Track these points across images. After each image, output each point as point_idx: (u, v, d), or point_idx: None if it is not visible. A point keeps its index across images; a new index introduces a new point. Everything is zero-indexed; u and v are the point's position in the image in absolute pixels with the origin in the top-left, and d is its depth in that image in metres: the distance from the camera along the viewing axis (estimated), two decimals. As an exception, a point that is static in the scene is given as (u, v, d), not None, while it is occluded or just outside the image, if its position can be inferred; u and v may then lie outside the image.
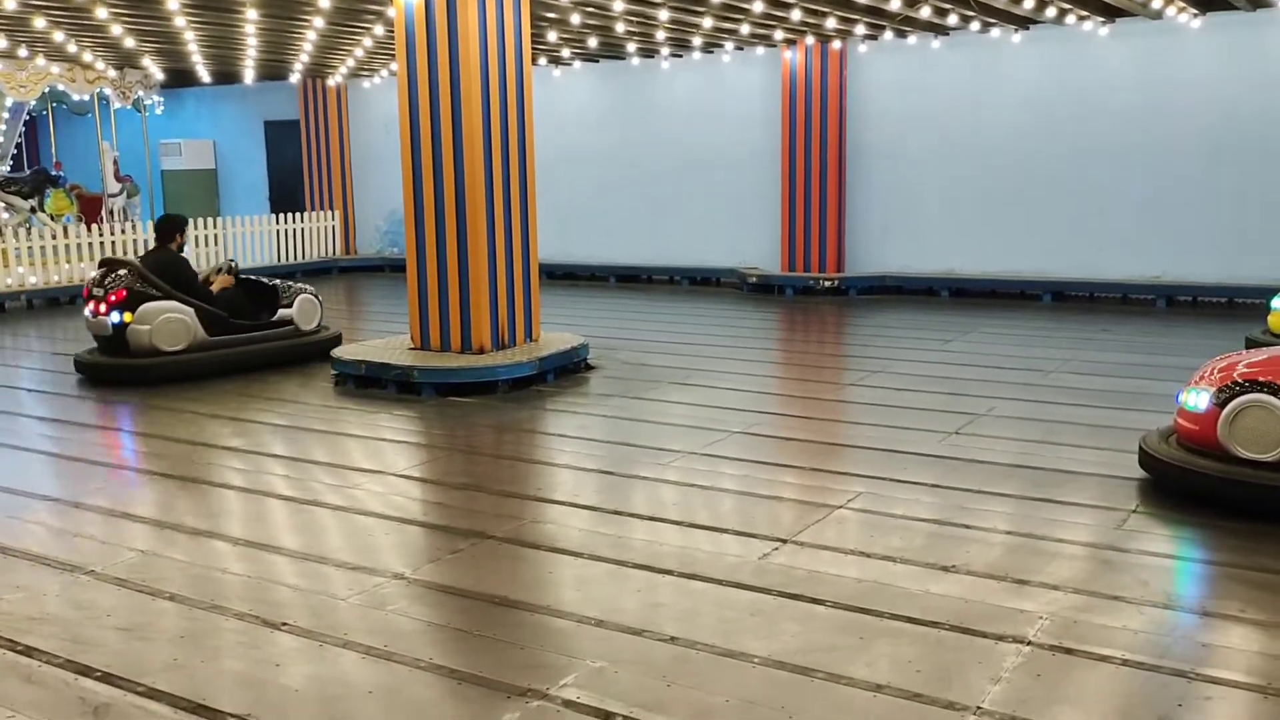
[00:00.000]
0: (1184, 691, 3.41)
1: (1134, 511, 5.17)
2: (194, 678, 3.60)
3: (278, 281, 9.77)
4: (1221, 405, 5.14)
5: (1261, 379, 5.09)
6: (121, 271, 8.85)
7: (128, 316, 8.63)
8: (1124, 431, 6.70)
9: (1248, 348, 9.03)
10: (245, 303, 9.41)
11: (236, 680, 3.60)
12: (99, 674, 3.62)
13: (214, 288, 9.22)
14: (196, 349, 8.86)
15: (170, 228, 9.23)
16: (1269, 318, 9.05)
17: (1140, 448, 5.60)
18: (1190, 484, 5.24)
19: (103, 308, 8.70)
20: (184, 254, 9.37)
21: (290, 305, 9.44)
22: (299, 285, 9.77)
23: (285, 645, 3.85)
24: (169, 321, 8.74)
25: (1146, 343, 10.14)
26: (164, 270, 8.93)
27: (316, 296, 9.72)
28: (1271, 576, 4.48)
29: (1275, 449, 4.98)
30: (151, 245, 9.56)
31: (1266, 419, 5.00)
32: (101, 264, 9.22)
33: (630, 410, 7.65)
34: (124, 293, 8.70)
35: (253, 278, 9.78)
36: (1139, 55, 12.45)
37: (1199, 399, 5.29)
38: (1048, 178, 13.10)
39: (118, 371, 8.75)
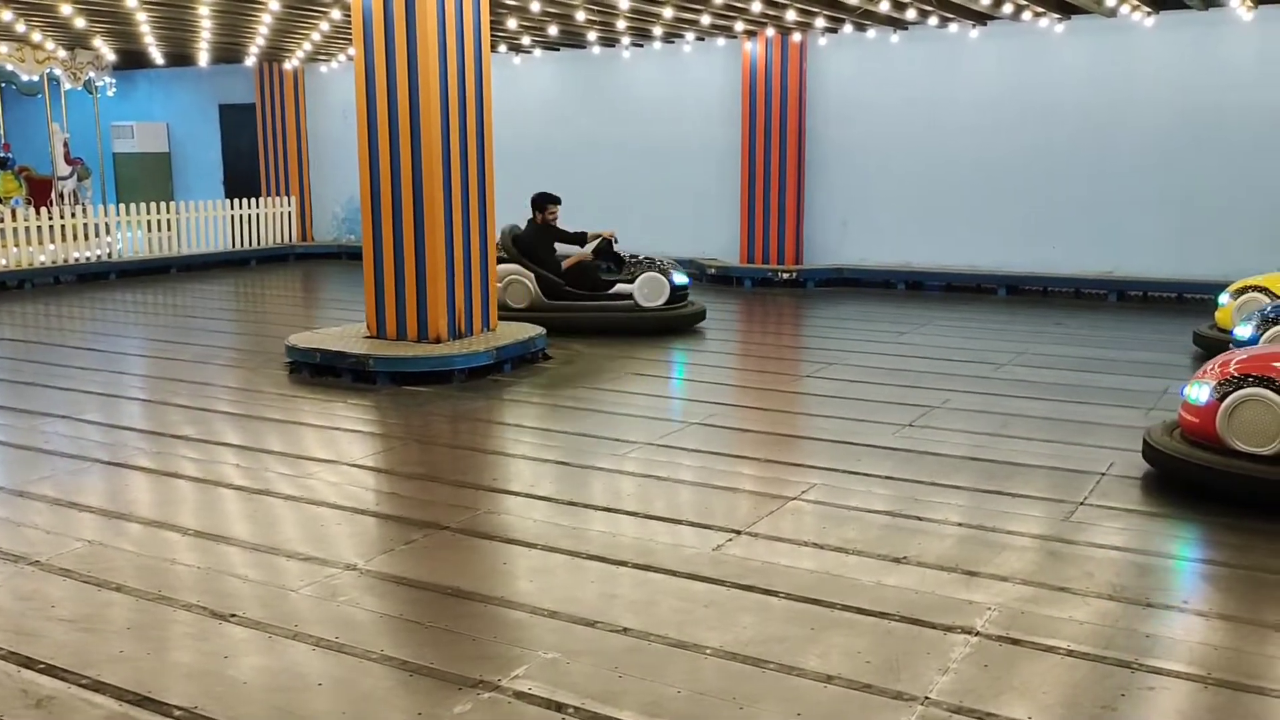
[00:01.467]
0: (1127, 681, 3.47)
1: (1081, 504, 5.25)
2: (140, 670, 3.55)
3: (640, 257, 10.68)
4: (1221, 398, 5.23)
5: (1260, 373, 5.18)
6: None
7: None
8: (1075, 424, 6.81)
9: (1195, 343, 9.22)
10: (595, 276, 10.52)
11: (184, 672, 3.56)
12: (42, 666, 3.57)
13: (567, 263, 10.47)
14: (536, 309, 10.12)
15: (534, 203, 10.54)
16: (1216, 313, 9.23)
17: (1144, 440, 5.69)
18: (1191, 477, 5.33)
19: None
20: (552, 226, 10.51)
21: (631, 281, 10.37)
22: (658, 264, 10.52)
23: (234, 637, 3.81)
24: (512, 283, 10.18)
25: (1098, 336, 10.29)
26: (520, 239, 10.41)
27: (667, 275, 10.38)
28: (1215, 568, 4.58)
29: (1272, 443, 5.07)
30: None
31: (1264, 413, 5.09)
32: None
33: (588, 401, 7.65)
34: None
35: (625, 254, 10.69)
36: (1094, 52, 12.61)
37: (1200, 392, 5.38)
38: (1004, 172, 13.25)
39: None
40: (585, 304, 10.37)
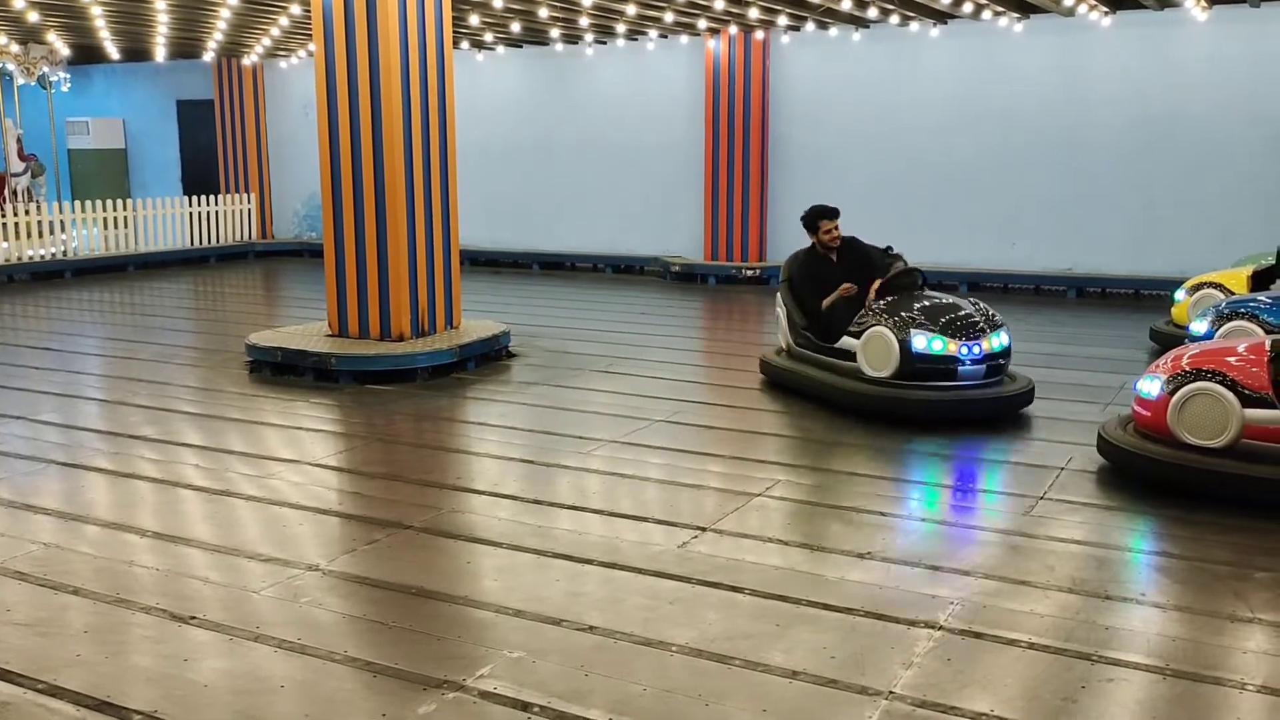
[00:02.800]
0: (1087, 673, 3.51)
1: (1042, 498, 5.31)
2: (99, 673, 3.50)
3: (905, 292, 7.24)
4: (1171, 393, 5.30)
5: (1208, 367, 5.25)
6: None
7: None
8: (1033, 419, 6.88)
9: (1152, 339, 9.35)
10: (846, 319, 7.30)
11: (144, 676, 3.51)
12: (-2, 672, 3.51)
13: (826, 301, 7.52)
14: (784, 361, 7.85)
15: (804, 224, 7.98)
16: (1173, 309, 9.37)
17: (1099, 434, 5.75)
18: (1144, 470, 5.40)
19: None
20: (818, 253, 7.82)
21: (858, 336, 7.06)
22: (901, 314, 6.91)
23: (195, 639, 3.77)
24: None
25: (1057, 332, 10.41)
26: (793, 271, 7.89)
27: (904, 331, 6.79)
28: (1171, 560, 4.64)
29: (1220, 435, 5.14)
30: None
31: (1213, 406, 5.16)
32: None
33: (553, 398, 7.63)
34: None
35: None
36: (1053, 52, 12.76)
37: (1152, 386, 5.45)
38: (965, 170, 13.37)
39: None
40: (815, 359, 7.50)
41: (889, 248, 7.89)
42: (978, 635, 3.78)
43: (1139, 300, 12.40)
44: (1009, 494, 5.41)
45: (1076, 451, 6.05)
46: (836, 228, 7.72)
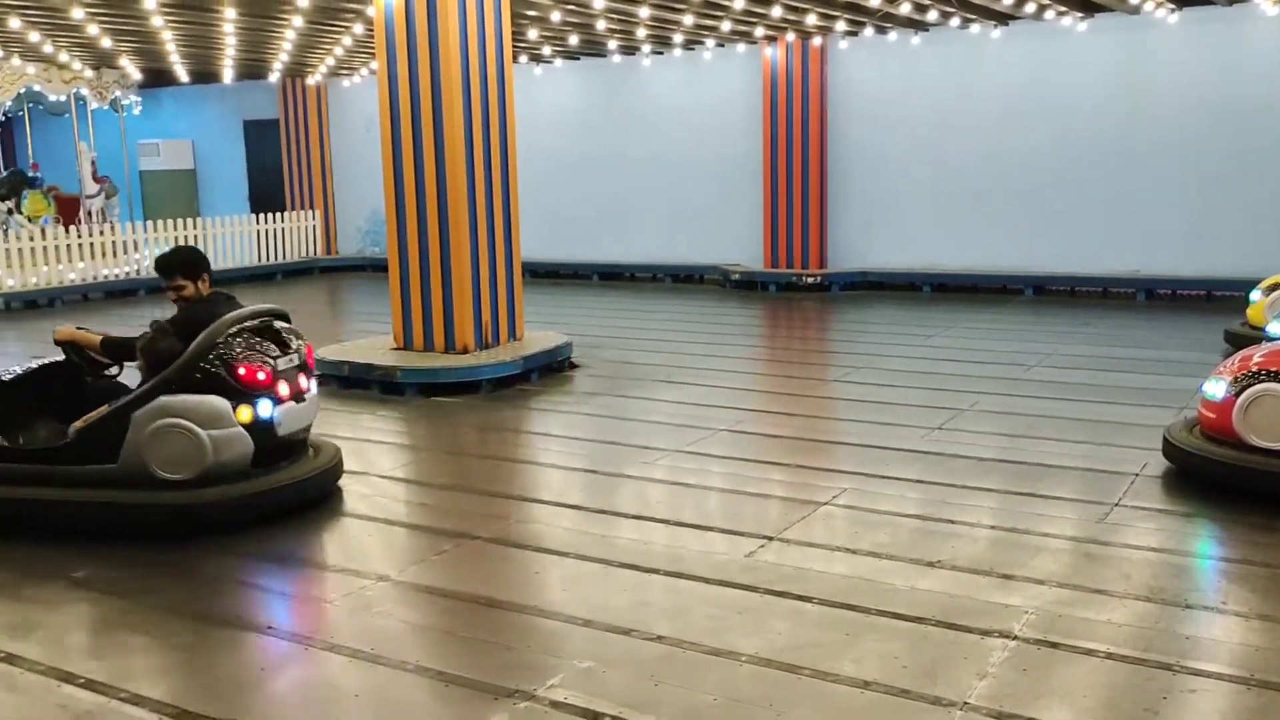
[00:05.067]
0: (1169, 684, 3.43)
1: (1116, 505, 5.20)
2: (179, 683, 3.57)
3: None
4: (1237, 394, 5.18)
5: (1277, 368, 5.12)
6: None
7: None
8: (1106, 425, 6.75)
9: (1227, 341, 9.12)
10: None
11: (221, 685, 3.58)
12: (82, 681, 3.59)
13: None
14: None
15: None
16: (1249, 310, 9.12)
17: (1164, 437, 5.66)
18: (1209, 474, 5.29)
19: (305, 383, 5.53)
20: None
21: None
22: None
23: (272, 649, 3.83)
24: None
25: (1126, 336, 10.20)
26: None
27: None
28: (1251, 568, 4.52)
29: None
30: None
31: (1278, 408, 5.03)
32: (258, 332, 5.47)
33: (615, 409, 7.64)
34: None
35: None
36: (1117, 50, 12.53)
37: (1218, 388, 5.34)
38: (1028, 172, 13.16)
39: None
40: None
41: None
42: (1054, 645, 3.71)
43: (1210, 302, 12.10)
44: (1082, 501, 5.31)
45: (1151, 457, 5.91)
46: (183, 284, 5.47)
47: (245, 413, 5.02)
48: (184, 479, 4.92)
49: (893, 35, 13.45)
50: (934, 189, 13.73)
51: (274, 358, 5.25)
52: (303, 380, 5.42)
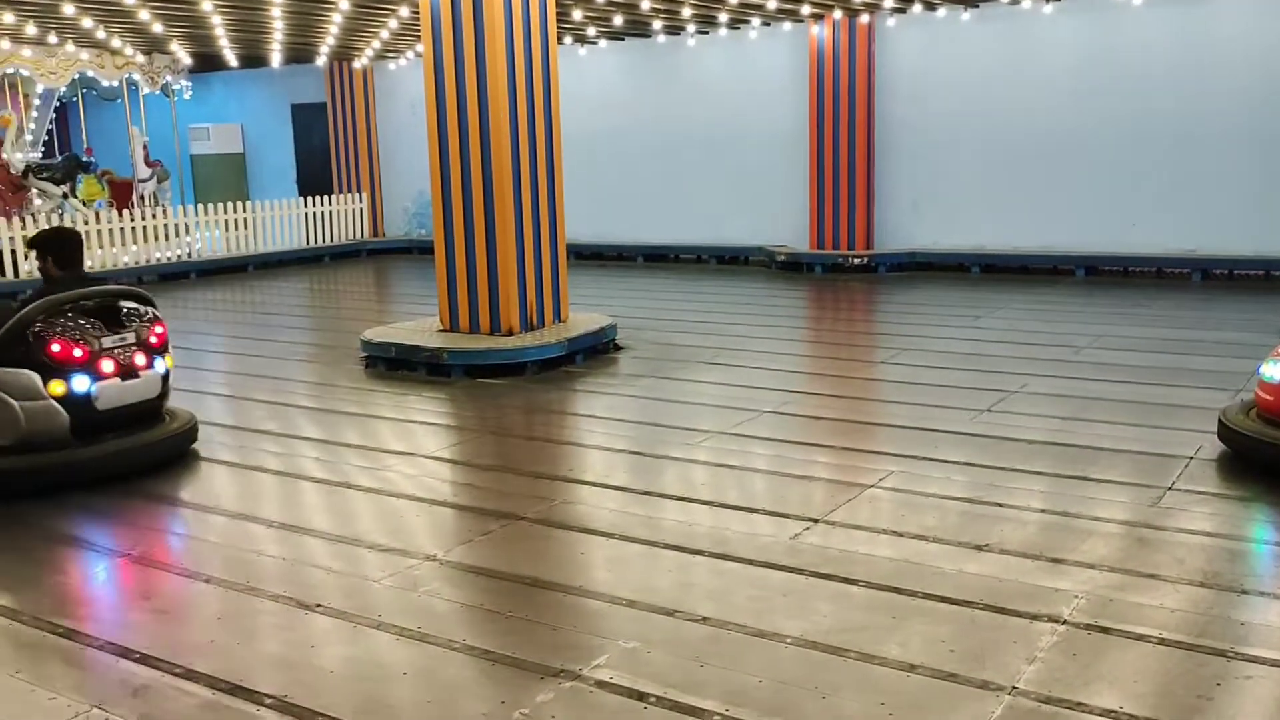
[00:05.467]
0: (1223, 670, 3.37)
1: (1170, 488, 5.11)
2: (231, 659, 3.64)
3: None
4: None
5: None
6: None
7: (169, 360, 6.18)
8: (1159, 407, 6.63)
9: (1286, 321, 8.91)
10: None
11: (273, 661, 3.64)
12: (138, 656, 3.67)
13: None
14: None
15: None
16: (1308, 291, 8.91)
17: (1219, 420, 5.56)
18: (1266, 456, 5.19)
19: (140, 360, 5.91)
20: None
21: None
22: None
23: (320, 627, 3.88)
24: None
25: (1181, 317, 10.01)
26: None
27: None
28: (1311, 554, 4.43)
29: None
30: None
31: None
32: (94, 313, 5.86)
33: (660, 390, 7.64)
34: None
35: None
36: (1174, 24, 12.24)
37: (1276, 370, 5.23)
38: (1080, 150, 12.93)
39: None
40: None
41: None
42: (1104, 630, 3.66)
43: (1269, 282, 11.83)
44: (1135, 484, 5.22)
45: (1206, 440, 5.80)
46: (40, 263, 5.97)
47: (58, 387, 5.46)
48: (3, 445, 5.43)
49: (942, 12, 13.25)
50: (983, 168, 13.54)
51: (97, 337, 5.66)
52: (139, 358, 5.84)
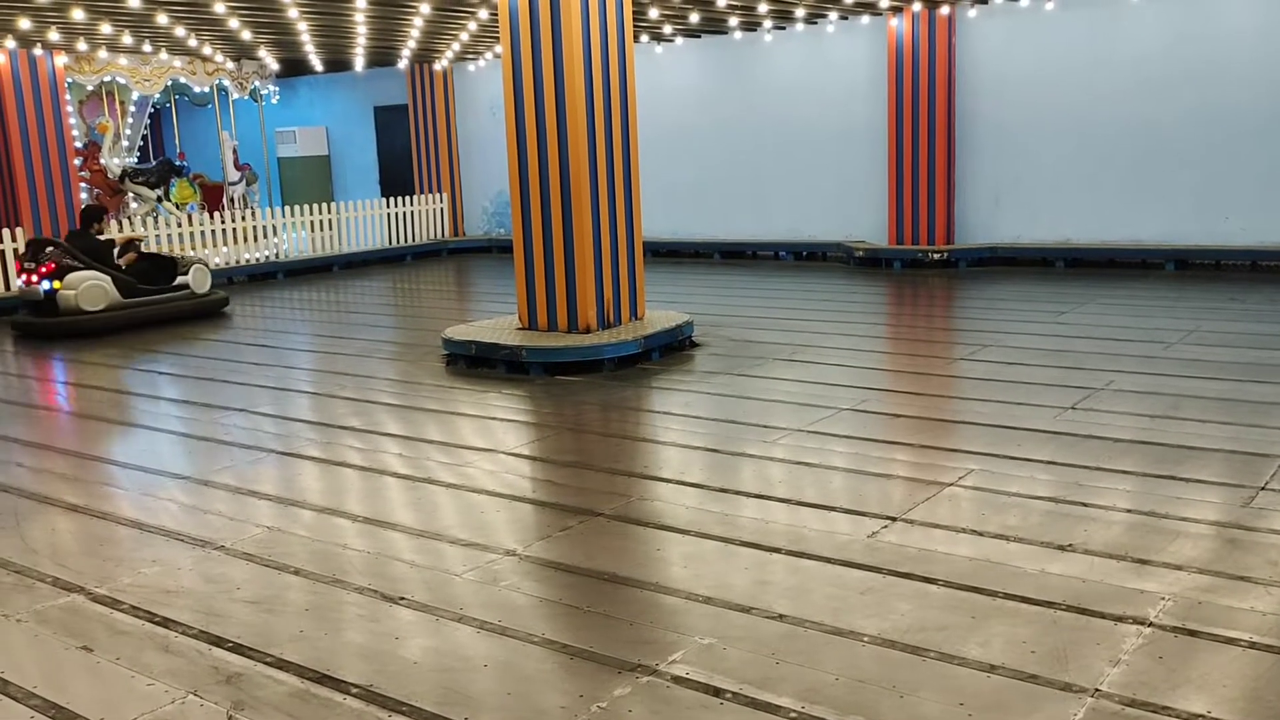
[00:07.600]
0: (1317, 676, 3.28)
1: (1263, 489, 4.97)
2: (319, 649, 3.74)
3: (179, 254, 12.36)
4: None
5: None
6: (50, 249, 10.81)
7: (57, 284, 10.60)
8: (1252, 405, 6.44)
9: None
10: (152, 272, 11.62)
11: (359, 652, 3.74)
12: (230, 644, 3.80)
13: (122, 262, 11.43)
14: (114, 309, 11.00)
15: (90, 216, 11.40)
16: None
17: None
18: None
19: (34, 278, 10.70)
20: (100, 237, 11.49)
21: (187, 273, 11.71)
22: (194, 256, 12.40)
23: (404, 619, 3.98)
24: (91, 288, 10.82)
25: (1276, 312, 9.69)
26: (86, 248, 11.05)
27: (207, 265, 12.08)
28: None
29: None
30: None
31: None
32: (29, 244, 11.11)
33: (736, 387, 7.64)
34: (53, 265, 10.66)
35: (155, 251, 12.42)
36: (1264, 10, 11.83)
37: None
38: (1168, 141, 12.58)
39: (50, 329, 10.75)
40: (155, 297, 11.45)
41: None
42: (1192, 633, 3.58)
43: (1373, 274, 11.39)
44: (1226, 484, 5.08)
45: (1302, 439, 5.62)
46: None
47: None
48: (99, 309, 10.73)
49: (1024, 2, 12.99)
50: (1067, 160, 13.25)
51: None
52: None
